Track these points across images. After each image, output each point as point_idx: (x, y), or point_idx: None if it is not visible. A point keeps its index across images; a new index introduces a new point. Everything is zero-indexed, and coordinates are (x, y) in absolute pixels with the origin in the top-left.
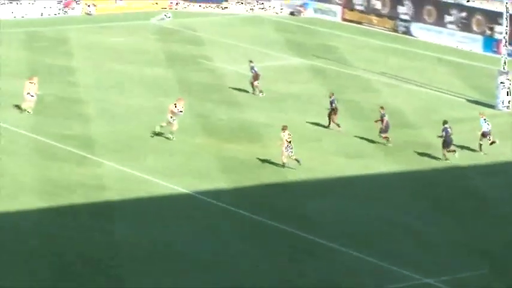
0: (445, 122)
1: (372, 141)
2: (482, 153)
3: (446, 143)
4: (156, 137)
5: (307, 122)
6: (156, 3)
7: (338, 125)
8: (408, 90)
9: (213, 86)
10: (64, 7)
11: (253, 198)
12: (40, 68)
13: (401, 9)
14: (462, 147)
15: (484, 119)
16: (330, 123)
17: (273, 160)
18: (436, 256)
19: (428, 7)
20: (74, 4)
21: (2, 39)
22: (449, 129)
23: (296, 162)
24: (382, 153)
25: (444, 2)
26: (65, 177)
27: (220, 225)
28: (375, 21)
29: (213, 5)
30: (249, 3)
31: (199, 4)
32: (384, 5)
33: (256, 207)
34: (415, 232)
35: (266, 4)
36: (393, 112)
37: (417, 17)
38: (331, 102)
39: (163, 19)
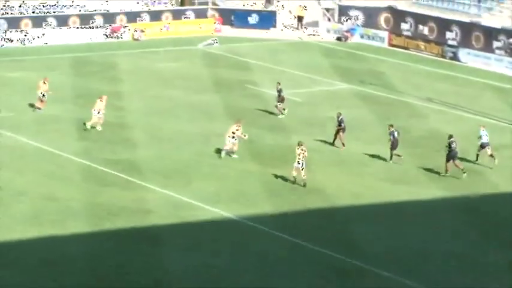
0: (450, 137)
1: (419, 167)
2: (477, 162)
3: (451, 156)
4: (201, 162)
5: (353, 148)
6: (200, 27)
7: (343, 144)
8: (456, 116)
9: (259, 111)
10: (112, 33)
11: (299, 224)
12: (87, 92)
13: (449, 34)
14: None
15: (484, 131)
16: (334, 140)
17: (318, 185)
18: (484, 283)
19: (476, 33)
20: (121, 30)
21: (49, 65)
22: (454, 144)
23: (302, 184)
24: (429, 179)
25: (492, 27)
26: (112, 202)
27: (268, 251)
28: (422, 47)
29: (260, 31)
30: (296, 28)
31: (246, 29)
32: (431, 30)
33: (302, 232)
34: (464, 259)
35: (313, 29)
36: (440, 138)
37: (465, 42)
38: (340, 122)
39: (210, 44)
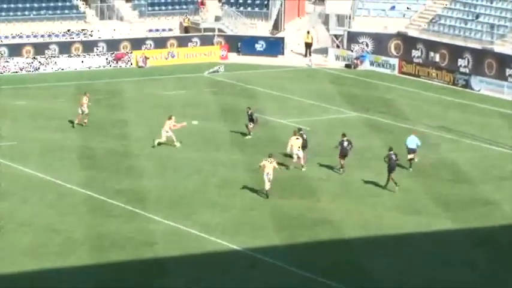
0: (390, 149)
1: (429, 197)
2: (410, 169)
3: (390, 167)
4: (207, 192)
5: (363, 177)
6: (205, 54)
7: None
8: (467, 144)
9: (266, 140)
10: (115, 59)
11: (309, 256)
12: (91, 120)
13: (460, 62)
14: None
15: (415, 137)
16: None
17: (327, 215)
18: None
19: (489, 60)
20: (126, 57)
21: (53, 93)
22: (394, 156)
23: (265, 195)
24: (440, 209)
25: (505, 54)
26: (116, 233)
27: (276, 284)
28: (434, 74)
29: (267, 58)
30: (304, 55)
31: (253, 56)
32: (442, 57)
33: (312, 264)
34: None
35: (321, 56)
36: (451, 167)
37: (477, 70)
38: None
39: (216, 72)
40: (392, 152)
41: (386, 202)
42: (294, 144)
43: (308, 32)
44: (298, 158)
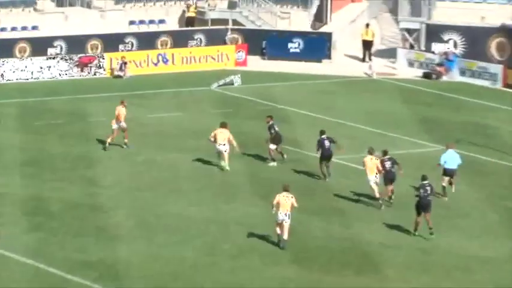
0: (423, 178)
1: None
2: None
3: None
4: (214, 265)
5: (450, 242)
6: (213, 58)
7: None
8: None
9: (304, 187)
10: (80, 65)
11: None
12: (42, 157)
13: None
14: None
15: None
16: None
17: None
18: None
19: None
20: (95, 62)
21: None
22: (427, 189)
23: (281, 246)
24: None
25: None
26: None
27: None
28: None
29: (306, 64)
30: (361, 60)
31: (285, 61)
32: None
33: None
34: None
35: (386, 61)
36: None
37: None
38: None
39: (229, 84)
40: (427, 181)
41: (487, 282)
42: (370, 170)
43: (367, 26)
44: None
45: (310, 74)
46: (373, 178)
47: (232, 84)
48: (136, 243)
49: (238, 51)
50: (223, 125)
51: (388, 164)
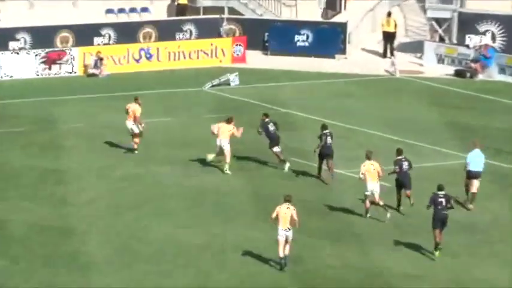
0: (439, 188)
1: None
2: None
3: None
4: None
5: (490, 271)
6: (205, 53)
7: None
8: None
9: (313, 206)
10: (47, 62)
11: None
12: (4, 173)
13: None
14: None
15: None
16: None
17: None
18: None
19: None
20: (65, 58)
21: None
22: (442, 200)
23: (279, 268)
24: None
25: None
26: None
27: None
28: None
29: (317, 60)
30: (382, 55)
31: (291, 57)
32: None
33: None
34: None
35: (411, 57)
36: None
37: None
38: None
39: (225, 84)
40: (442, 192)
41: None
42: (370, 175)
43: (389, 15)
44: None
45: (321, 73)
46: (377, 187)
47: (229, 84)
48: (115, 274)
49: (236, 45)
50: (229, 121)
51: (405, 165)
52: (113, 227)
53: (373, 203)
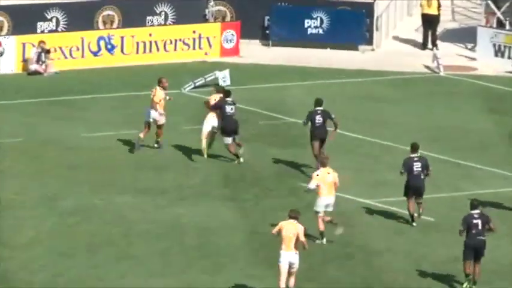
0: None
1: None
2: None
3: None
4: None
5: None
6: (185, 43)
7: None
8: None
9: (333, 250)
10: None
11: None
12: None
13: None
14: None
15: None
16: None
17: None
18: None
19: None
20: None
21: None
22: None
23: None
24: None
25: None
26: None
27: None
28: None
29: (333, 52)
30: (422, 46)
31: (299, 48)
32: None
33: None
34: None
35: (459, 49)
36: None
37: None
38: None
39: (217, 84)
40: (477, 212)
41: None
42: (325, 187)
43: None
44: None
45: (340, 69)
46: (332, 201)
47: (217, 84)
48: None
49: (227, 33)
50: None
51: (417, 166)
52: (60, 276)
53: (330, 221)
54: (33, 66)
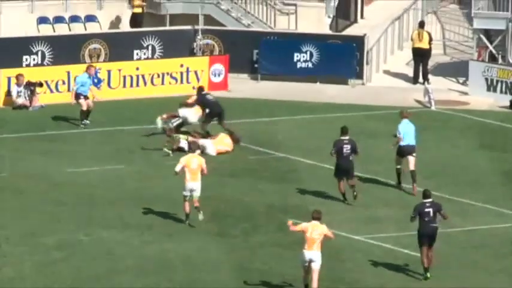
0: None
1: None
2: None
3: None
4: None
5: None
6: (172, 77)
7: None
8: None
9: (323, 285)
10: None
11: None
12: None
13: None
14: None
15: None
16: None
17: None
18: None
19: None
20: None
21: None
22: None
23: None
24: None
25: None
26: None
27: None
28: None
29: (322, 86)
30: (414, 80)
31: (287, 82)
32: None
33: None
34: None
35: (451, 83)
36: None
37: None
38: None
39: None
40: (429, 201)
41: None
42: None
43: (422, 26)
44: None
45: (330, 103)
46: (317, 257)
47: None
48: None
49: (214, 67)
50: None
51: (346, 148)
52: None
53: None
54: (19, 100)
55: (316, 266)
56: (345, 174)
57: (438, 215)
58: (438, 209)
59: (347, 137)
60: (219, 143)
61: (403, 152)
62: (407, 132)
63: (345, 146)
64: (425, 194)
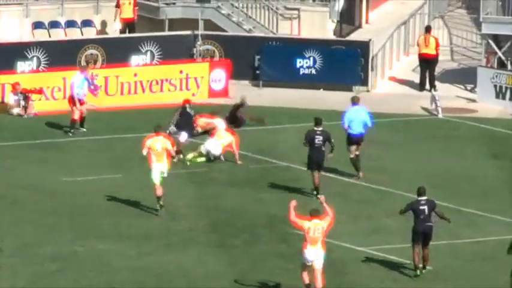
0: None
1: None
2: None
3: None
4: None
5: None
6: (171, 84)
7: None
8: None
9: None
10: None
11: None
12: None
13: None
14: None
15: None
16: None
17: None
18: None
19: None
20: None
21: None
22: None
23: None
24: None
25: None
26: None
27: None
28: None
29: (326, 94)
30: (420, 87)
31: (290, 89)
32: None
33: None
34: None
35: (459, 90)
36: None
37: None
38: None
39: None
40: (424, 198)
41: None
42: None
43: (428, 31)
44: None
45: (334, 111)
46: (321, 256)
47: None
48: None
49: (215, 73)
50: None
51: (318, 140)
52: None
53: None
54: (13, 110)
55: (319, 265)
56: (316, 166)
57: (434, 214)
58: (433, 207)
59: (320, 128)
60: (219, 138)
61: (352, 141)
62: (354, 120)
63: (316, 136)
64: (420, 191)
